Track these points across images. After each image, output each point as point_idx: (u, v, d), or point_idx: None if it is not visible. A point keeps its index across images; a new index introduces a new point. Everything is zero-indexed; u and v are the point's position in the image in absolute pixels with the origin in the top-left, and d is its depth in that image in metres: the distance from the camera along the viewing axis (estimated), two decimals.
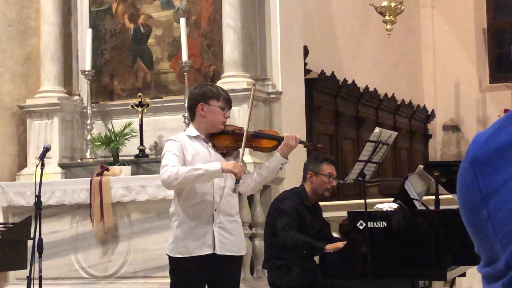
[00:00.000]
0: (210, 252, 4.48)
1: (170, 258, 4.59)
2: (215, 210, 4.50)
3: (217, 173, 4.40)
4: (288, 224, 5.30)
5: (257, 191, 5.05)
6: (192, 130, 4.61)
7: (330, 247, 5.21)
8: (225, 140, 4.63)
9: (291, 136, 4.56)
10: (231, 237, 4.55)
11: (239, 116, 6.78)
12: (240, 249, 4.64)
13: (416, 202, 5.47)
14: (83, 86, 7.88)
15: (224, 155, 4.62)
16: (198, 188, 4.50)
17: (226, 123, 4.67)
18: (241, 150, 4.59)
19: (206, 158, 4.53)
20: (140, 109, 7.34)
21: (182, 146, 4.52)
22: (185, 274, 4.54)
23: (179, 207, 4.56)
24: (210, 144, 4.60)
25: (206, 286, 4.65)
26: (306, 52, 8.96)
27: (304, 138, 6.25)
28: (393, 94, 12.74)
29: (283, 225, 5.31)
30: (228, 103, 4.63)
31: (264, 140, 4.67)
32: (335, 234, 7.17)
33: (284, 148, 4.53)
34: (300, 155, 6.62)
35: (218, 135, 4.63)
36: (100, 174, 6.96)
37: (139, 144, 7.32)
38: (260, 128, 5.71)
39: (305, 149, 7.58)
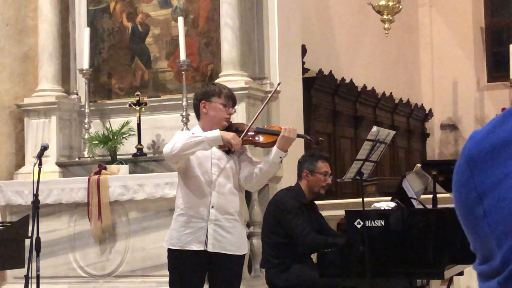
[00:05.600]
0: (202, 248, 4.48)
1: (168, 249, 4.63)
2: (212, 207, 4.50)
3: (217, 139, 4.42)
4: (305, 227, 5.29)
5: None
6: (197, 129, 4.65)
7: None
8: None
9: (288, 128, 4.53)
10: (227, 236, 4.53)
11: (237, 115, 6.77)
12: (238, 249, 4.61)
13: (413, 201, 5.46)
14: (81, 85, 7.87)
15: (228, 152, 4.62)
16: (197, 184, 4.52)
17: (234, 122, 4.72)
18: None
19: (207, 155, 4.55)
20: (138, 108, 7.34)
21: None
22: (177, 266, 4.58)
23: (179, 200, 4.60)
24: None
25: (208, 284, 4.66)
26: (304, 51, 8.95)
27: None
28: (391, 93, 12.73)
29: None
30: (230, 99, 4.65)
31: (264, 136, 4.66)
32: None
33: (281, 141, 4.50)
34: (297, 153, 6.60)
35: None
36: (98, 173, 6.95)
37: (137, 143, 7.32)
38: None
39: (303, 147, 7.61)
